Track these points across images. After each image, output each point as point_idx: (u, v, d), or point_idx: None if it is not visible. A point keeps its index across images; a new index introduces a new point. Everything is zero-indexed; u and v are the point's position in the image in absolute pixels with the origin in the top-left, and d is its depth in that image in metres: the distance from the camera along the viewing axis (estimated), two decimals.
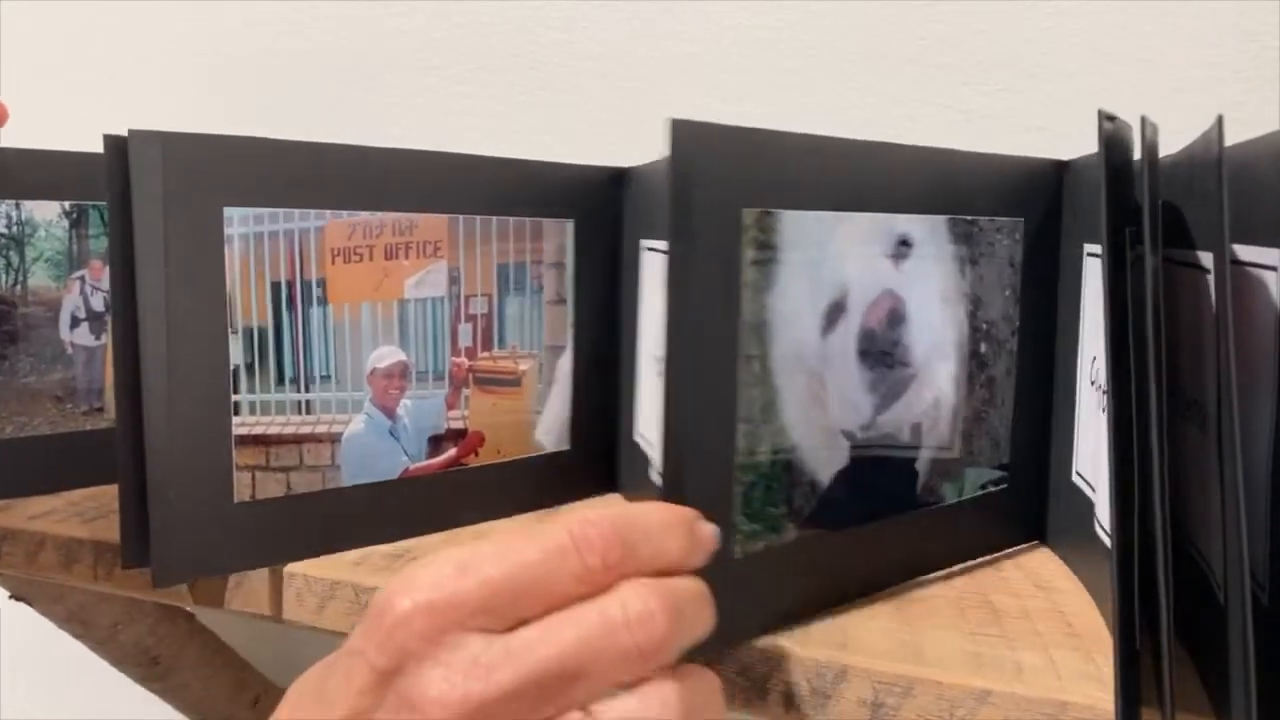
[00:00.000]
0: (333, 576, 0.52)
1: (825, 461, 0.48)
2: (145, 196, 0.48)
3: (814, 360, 0.47)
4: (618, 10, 0.80)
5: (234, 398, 0.52)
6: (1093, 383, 0.50)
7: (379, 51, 0.89)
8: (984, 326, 0.54)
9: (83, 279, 0.69)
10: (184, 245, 0.49)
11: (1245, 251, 0.39)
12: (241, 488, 0.53)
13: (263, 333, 0.53)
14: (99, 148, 0.48)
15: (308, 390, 0.55)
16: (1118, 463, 0.33)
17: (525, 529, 0.33)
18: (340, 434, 0.56)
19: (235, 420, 0.52)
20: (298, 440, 0.55)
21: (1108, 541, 0.41)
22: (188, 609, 0.80)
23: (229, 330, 0.52)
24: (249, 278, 0.52)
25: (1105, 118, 0.33)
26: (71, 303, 0.69)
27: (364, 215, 0.55)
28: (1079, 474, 0.52)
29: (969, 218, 0.52)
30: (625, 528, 0.33)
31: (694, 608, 0.33)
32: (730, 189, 0.42)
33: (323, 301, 0.55)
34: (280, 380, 0.54)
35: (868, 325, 0.48)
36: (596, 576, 0.32)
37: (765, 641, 0.43)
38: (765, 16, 0.75)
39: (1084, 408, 0.52)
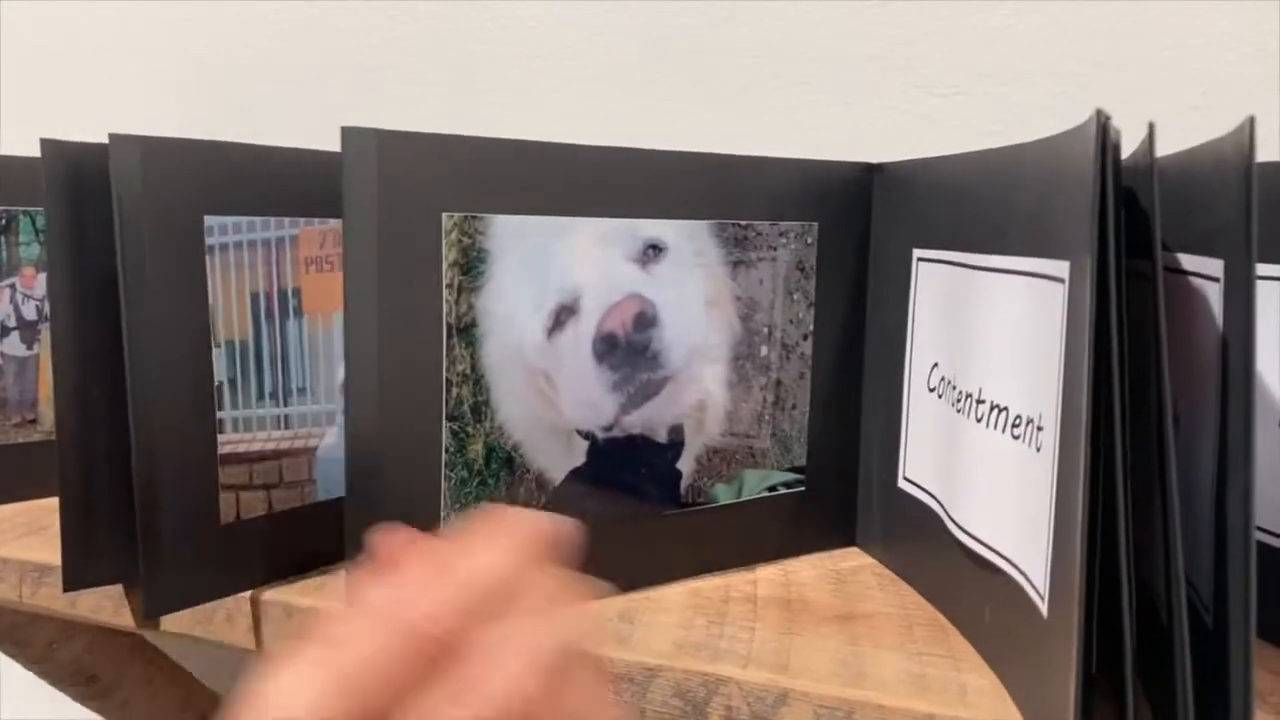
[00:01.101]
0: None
1: (557, 459, 0.50)
2: (127, 204, 0.46)
3: (537, 360, 0.48)
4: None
5: (219, 415, 0.51)
6: (932, 389, 0.50)
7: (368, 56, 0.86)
8: (765, 330, 0.55)
9: (13, 287, 0.66)
10: (167, 255, 0.47)
11: (1188, 261, 0.39)
12: (227, 509, 0.51)
13: (244, 346, 0.52)
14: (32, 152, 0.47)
15: (286, 404, 0.53)
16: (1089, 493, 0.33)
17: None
18: (316, 447, 0.55)
19: (220, 438, 0.51)
20: (277, 455, 0.53)
21: (973, 545, 0.43)
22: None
23: (213, 344, 0.50)
24: (230, 289, 0.50)
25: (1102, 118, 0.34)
26: (1, 311, 0.66)
27: (334, 223, 0.54)
28: (909, 479, 0.53)
29: (741, 222, 0.53)
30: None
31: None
32: (430, 194, 0.44)
33: (298, 312, 0.54)
34: (261, 395, 0.52)
35: (607, 328, 0.49)
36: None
37: (706, 664, 0.43)
38: (707, 15, 0.76)
39: (916, 413, 0.52)
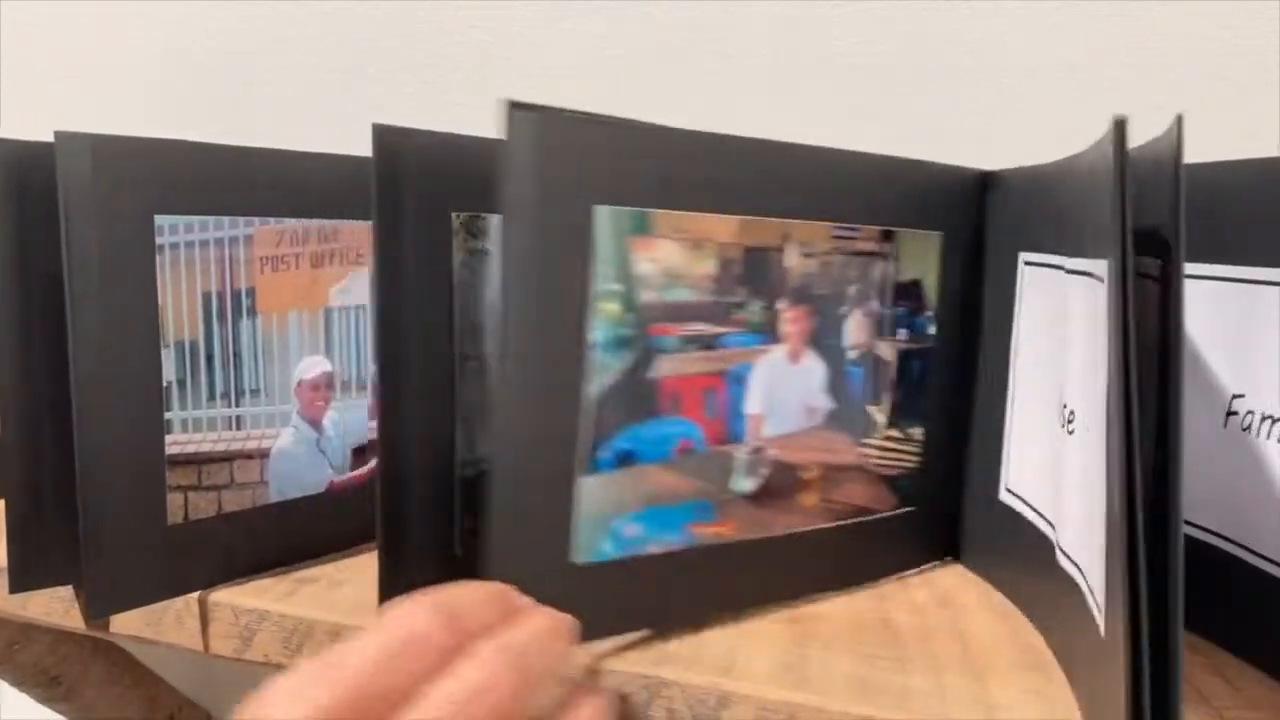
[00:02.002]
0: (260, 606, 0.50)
1: None
2: (74, 204, 0.45)
3: None
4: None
5: (166, 415, 0.50)
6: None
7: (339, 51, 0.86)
8: None
9: None
10: (116, 256, 0.47)
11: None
12: (174, 510, 0.51)
13: (194, 346, 0.51)
14: None
15: (238, 405, 0.53)
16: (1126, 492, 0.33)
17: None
18: (269, 449, 0.55)
19: (168, 439, 0.50)
20: (228, 458, 0.53)
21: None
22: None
23: (161, 345, 0.49)
24: (180, 289, 0.50)
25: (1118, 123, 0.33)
26: None
27: (291, 222, 0.54)
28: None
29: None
30: (448, 600, 0.33)
31: (541, 644, 0.34)
32: (439, 193, 0.44)
33: (252, 312, 0.53)
34: (211, 396, 0.52)
35: None
36: (447, 655, 0.32)
37: (645, 667, 0.42)
38: (680, 14, 0.75)
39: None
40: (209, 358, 0.52)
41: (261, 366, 0.54)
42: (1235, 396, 0.45)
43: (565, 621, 0.36)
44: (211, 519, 0.52)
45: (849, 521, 0.49)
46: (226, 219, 0.51)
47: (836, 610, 0.48)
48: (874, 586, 0.51)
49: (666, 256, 0.41)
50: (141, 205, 0.47)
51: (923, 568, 0.54)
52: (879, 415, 0.49)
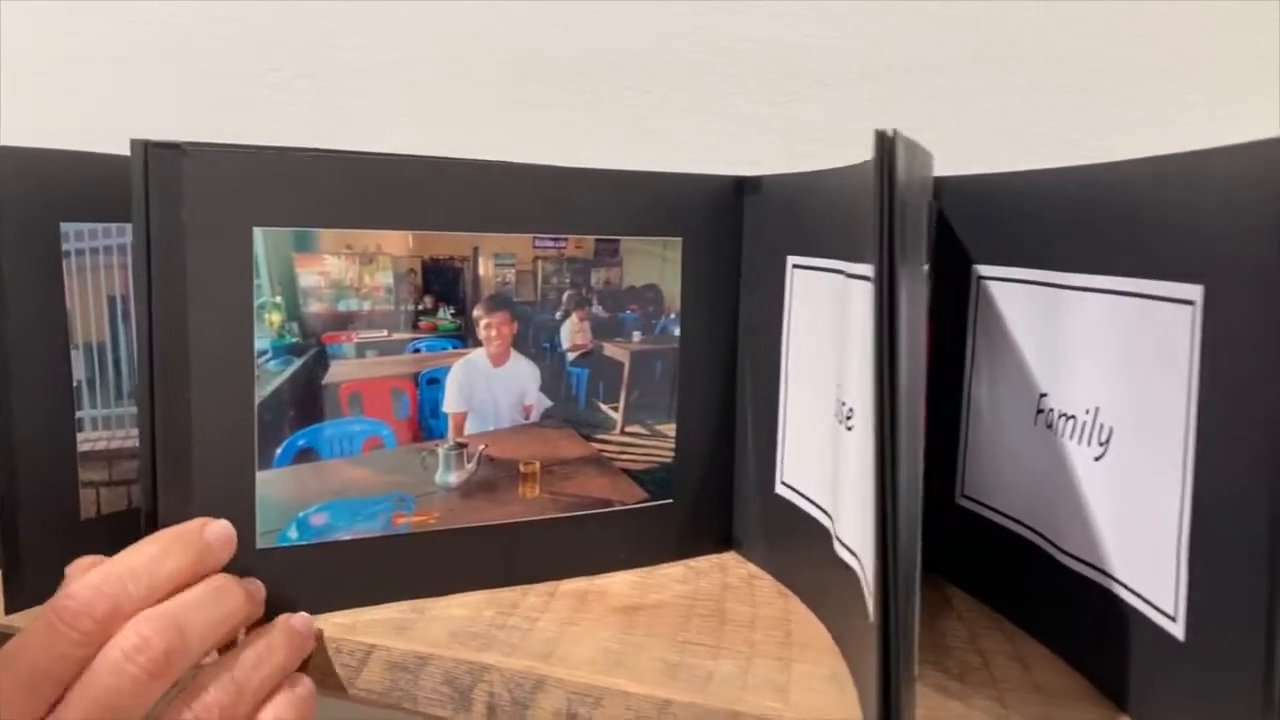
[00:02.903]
0: None
1: None
2: None
3: None
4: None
5: (78, 414, 0.54)
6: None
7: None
8: None
9: None
10: (22, 262, 0.50)
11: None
12: (87, 505, 0.55)
13: (102, 347, 0.55)
14: None
15: None
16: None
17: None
18: None
19: (79, 436, 0.54)
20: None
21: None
22: None
23: (71, 346, 0.53)
24: (87, 293, 0.54)
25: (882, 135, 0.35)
26: None
27: None
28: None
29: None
30: (107, 579, 0.39)
31: (207, 607, 0.40)
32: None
33: None
34: (120, 394, 0.56)
35: None
36: (97, 635, 0.37)
37: (470, 653, 0.44)
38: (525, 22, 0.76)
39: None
40: (116, 358, 0.56)
41: None
42: (1041, 395, 0.45)
43: (230, 585, 0.42)
44: (123, 513, 0.56)
45: (585, 513, 0.51)
46: (129, 225, 0.51)
47: (666, 599, 0.50)
48: (677, 574, 0.53)
49: (333, 270, 0.45)
50: (47, 213, 0.51)
51: (699, 558, 0.56)
52: (613, 413, 0.51)
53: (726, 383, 0.55)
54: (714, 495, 0.56)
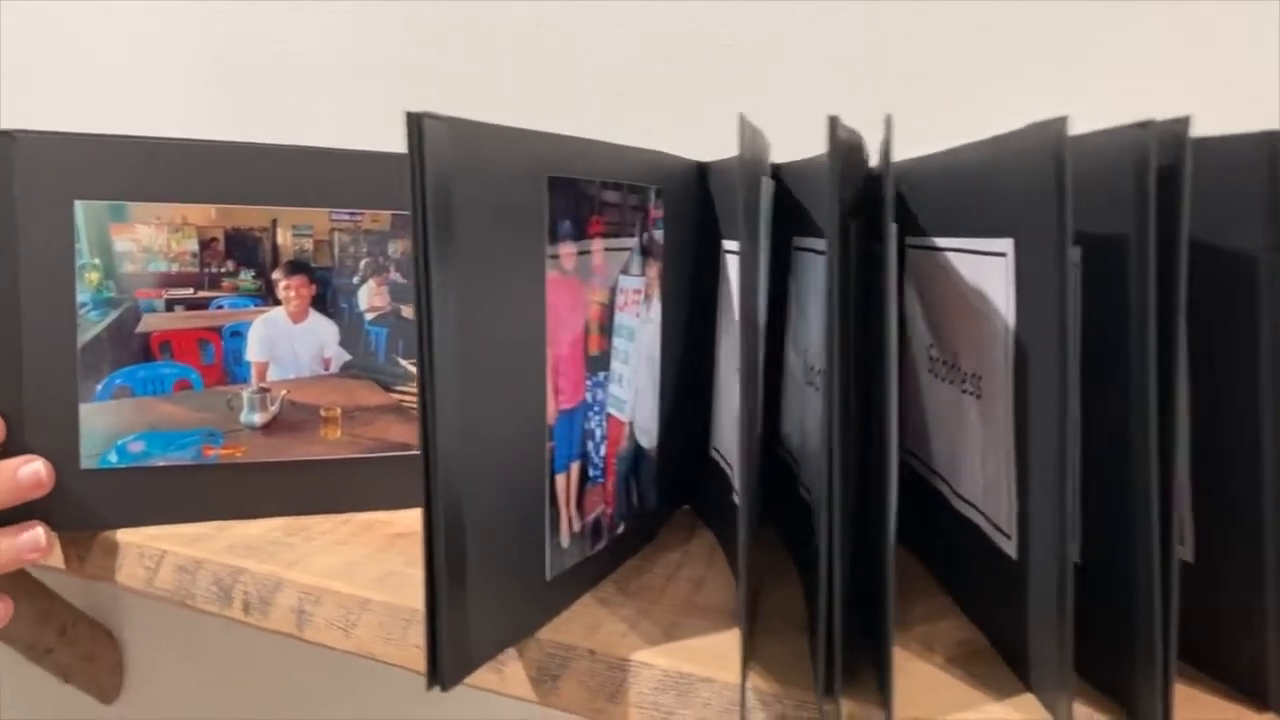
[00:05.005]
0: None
1: None
2: None
3: None
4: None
5: None
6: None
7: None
8: None
9: None
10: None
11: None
12: None
13: None
14: None
15: None
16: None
17: None
18: None
19: None
20: None
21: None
22: None
23: None
24: None
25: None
26: None
27: None
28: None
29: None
30: None
31: None
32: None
33: None
34: None
35: None
36: None
37: (234, 559, 0.52)
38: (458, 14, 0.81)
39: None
40: None
41: None
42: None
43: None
44: None
45: (385, 455, 0.59)
46: None
47: None
48: None
49: (144, 238, 0.53)
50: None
51: None
52: (413, 367, 0.58)
53: None
54: None
